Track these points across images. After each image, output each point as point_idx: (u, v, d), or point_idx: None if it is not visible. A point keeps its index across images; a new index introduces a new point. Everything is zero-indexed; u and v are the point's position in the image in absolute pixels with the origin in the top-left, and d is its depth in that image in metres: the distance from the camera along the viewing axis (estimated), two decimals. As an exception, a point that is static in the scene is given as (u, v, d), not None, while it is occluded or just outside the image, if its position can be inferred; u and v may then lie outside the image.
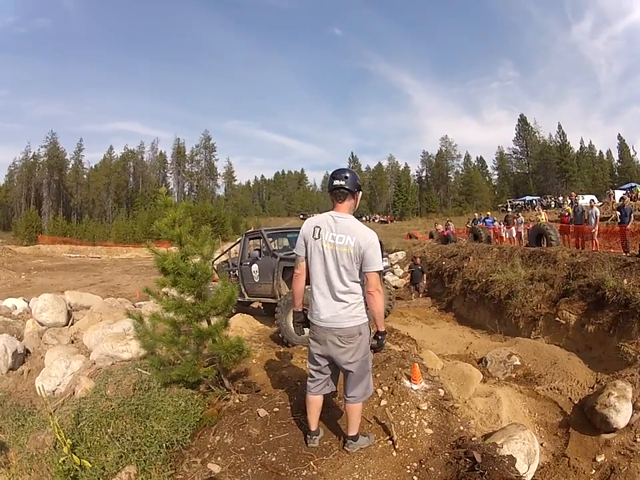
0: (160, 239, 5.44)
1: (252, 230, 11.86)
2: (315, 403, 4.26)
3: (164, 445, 4.47)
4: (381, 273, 8.66)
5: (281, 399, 5.29)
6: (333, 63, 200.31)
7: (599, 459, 6.86)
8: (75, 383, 6.55)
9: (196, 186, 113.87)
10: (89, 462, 4.10)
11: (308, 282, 4.09)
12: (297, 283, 4.24)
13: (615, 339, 9.29)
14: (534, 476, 5.49)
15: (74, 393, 6.22)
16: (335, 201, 3.96)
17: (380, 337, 3.98)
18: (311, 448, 4.32)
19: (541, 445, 6.94)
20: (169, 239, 5.16)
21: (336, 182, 3.89)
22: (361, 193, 4.02)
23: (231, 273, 11.19)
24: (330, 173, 4.06)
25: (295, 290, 4.32)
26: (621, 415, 7.14)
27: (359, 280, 3.83)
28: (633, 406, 7.39)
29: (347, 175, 3.90)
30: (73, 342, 9.22)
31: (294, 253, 8.70)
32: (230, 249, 12.63)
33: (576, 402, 8.18)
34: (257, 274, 10.32)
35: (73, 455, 4.05)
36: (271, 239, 10.78)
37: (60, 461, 4.09)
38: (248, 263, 10.66)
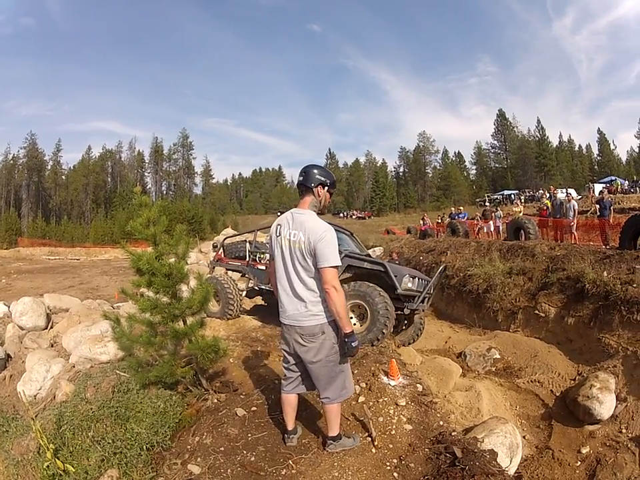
0: (136, 239, 5.39)
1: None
2: (289, 402, 4.26)
3: (144, 447, 4.45)
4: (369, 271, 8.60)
5: (259, 397, 5.29)
6: (312, 60, 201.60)
7: (583, 451, 6.91)
8: (55, 386, 6.52)
9: (174, 185, 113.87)
10: (72, 466, 4.08)
11: None
12: (272, 282, 4.25)
13: (596, 331, 9.32)
14: (517, 469, 5.53)
15: (55, 397, 6.21)
16: (299, 197, 4.02)
17: (347, 339, 3.78)
18: (290, 447, 4.32)
19: (524, 437, 6.98)
20: (144, 239, 5.13)
21: (298, 178, 3.98)
22: (325, 187, 3.97)
23: (251, 255, 10.51)
24: None
25: (273, 288, 4.30)
26: (605, 407, 7.19)
27: (318, 277, 3.78)
28: (617, 397, 7.46)
29: (306, 170, 3.94)
30: (52, 345, 9.17)
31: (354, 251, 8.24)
32: (258, 230, 11.82)
33: (557, 394, 8.24)
34: None
35: (57, 459, 4.05)
36: None
37: (44, 466, 4.09)
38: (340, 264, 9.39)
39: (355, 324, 7.96)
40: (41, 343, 9.26)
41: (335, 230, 9.82)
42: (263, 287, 10.10)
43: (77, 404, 5.41)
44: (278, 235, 3.92)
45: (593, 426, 7.31)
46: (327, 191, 4.00)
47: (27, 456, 4.83)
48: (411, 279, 8.16)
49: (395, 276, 7.98)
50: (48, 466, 4.05)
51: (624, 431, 7.11)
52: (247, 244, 11.10)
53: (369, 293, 7.73)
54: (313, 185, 3.89)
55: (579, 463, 6.77)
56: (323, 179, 3.93)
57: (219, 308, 9.68)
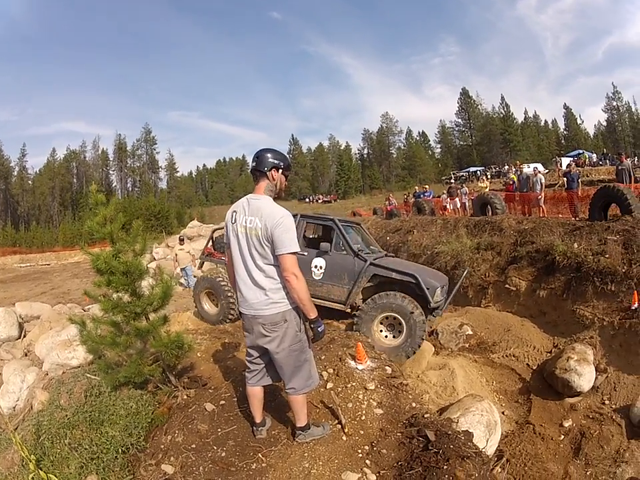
0: (94, 238, 5.30)
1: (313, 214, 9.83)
2: (255, 394, 4.22)
3: (120, 450, 4.44)
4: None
5: (227, 391, 5.25)
6: (274, 48, 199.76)
7: (566, 424, 6.92)
8: (31, 396, 6.43)
9: (139, 181, 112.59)
10: (55, 475, 4.04)
11: None
12: (228, 271, 4.22)
13: (569, 303, 9.32)
14: (498, 446, 5.52)
15: (32, 407, 6.12)
16: (254, 183, 3.90)
17: (312, 326, 3.80)
18: (259, 439, 4.30)
19: (502, 413, 7.00)
20: (102, 238, 5.04)
21: (252, 164, 3.87)
22: (279, 170, 3.85)
23: None
24: None
25: (229, 279, 4.31)
26: (584, 378, 7.20)
27: (276, 263, 3.70)
28: (596, 368, 7.47)
29: (258, 155, 3.82)
30: (26, 354, 9.06)
31: (378, 257, 8.29)
32: None
33: (534, 368, 8.26)
34: (322, 271, 8.60)
35: (40, 470, 3.98)
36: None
37: (29, 478, 4.02)
38: (305, 254, 8.50)
39: (385, 336, 7.82)
40: (15, 353, 9.15)
41: (343, 224, 9.33)
42: None
43: (53, 412, 5.36)
44: (233, 221, 3.83)
45: (574, 398, 7.33)
46: (282, 173, 3.89)
47: (13, 469, 4.81)
48: (441, 288, 7.93)
49: (427, 288, 7.60)
50: (32, 478, 4.00)
51: (607, 402, 7.14)
52: None
53: (405, 306, 7.51)
54: (266, 168, 3.78)
55: (562, 436, 6.77)
56: (276, 161, 3.82)
57: (217, 310, 9.08)
